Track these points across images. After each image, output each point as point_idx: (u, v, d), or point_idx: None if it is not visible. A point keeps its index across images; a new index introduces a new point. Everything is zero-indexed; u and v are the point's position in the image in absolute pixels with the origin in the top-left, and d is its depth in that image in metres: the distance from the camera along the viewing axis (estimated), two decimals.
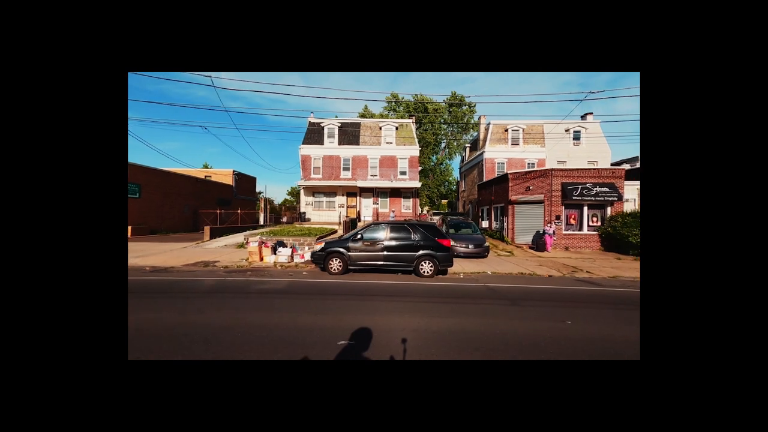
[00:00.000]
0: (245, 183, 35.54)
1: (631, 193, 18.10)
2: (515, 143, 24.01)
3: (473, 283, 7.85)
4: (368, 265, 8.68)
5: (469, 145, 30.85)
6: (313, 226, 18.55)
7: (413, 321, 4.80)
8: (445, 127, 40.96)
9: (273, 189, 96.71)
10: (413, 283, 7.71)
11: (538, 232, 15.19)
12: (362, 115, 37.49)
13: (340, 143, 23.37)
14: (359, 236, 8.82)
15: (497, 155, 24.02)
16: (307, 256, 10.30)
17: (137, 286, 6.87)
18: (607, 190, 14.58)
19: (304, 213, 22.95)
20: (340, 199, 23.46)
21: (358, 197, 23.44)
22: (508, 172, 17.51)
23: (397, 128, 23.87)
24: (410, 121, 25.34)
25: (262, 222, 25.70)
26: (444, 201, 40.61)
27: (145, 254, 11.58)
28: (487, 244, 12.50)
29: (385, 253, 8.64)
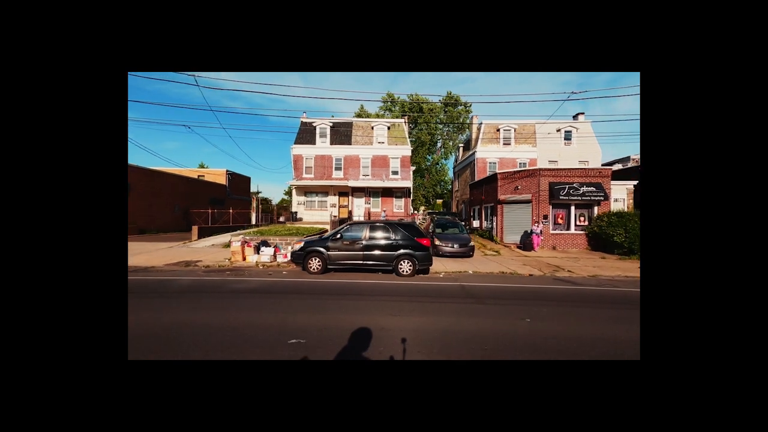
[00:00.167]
0: (239, 183, 35.52)
1: (621, 193, 18.17)
2: (507, 143, 24.05)
3: (450, 283, 7.88)
4: (348, 265, 8.70)
5: (462, 145, 30.88)
6: (303, 225, 18.56)
7: (371, 319, 4.83)
8: (441, 127, 40.99)
9: (271, 189, 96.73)
10: (390, 283, 7.73)
11: (526, 231, 15.22)
12: (358, 115, 37.47)
13: (332, 143, 23.38)
14: (339, 235, 8.83)
15: (489, 155, 24.07)
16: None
17: None
18: (594, 189, 14.63)
19: (296, 213, 22.97)
20: (332, 199, 23.48)
21: (350, 197, 23.46)
22: (497, 171, 17.55)
23: (389, 128, 23.89)
24: (402, 120, 25.36)
25: (254, 222, 25.69)
26: (439, 201, 40.65)
27: (129, 254, 11.57)
28: (472, 243, 12.54)
29: (364, 252, 8.66)
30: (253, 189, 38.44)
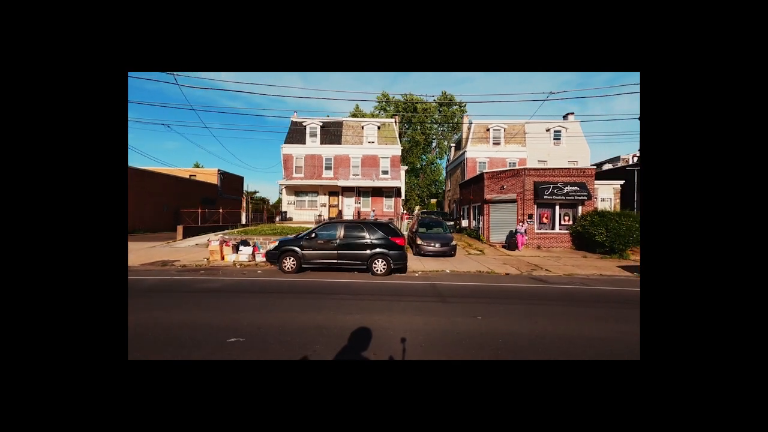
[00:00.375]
0: (232, 182, 35.49)
1: (607, 193, 18.23)
2: (496, 143, 24.08)
3: (422, 282, 7.90)
4: (322, 264, 8.71)
5: (454, 144, 30.92)
6: (291, 225, 18.54)
7: (322, 318, 4.85)
8: (436, 126, 41.02)
9: (269, 189, 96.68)
10: (363, 282, 7.74)
11: (511, 231, 15.26)
12: (353, 115, 37.46)
13: (322, 142, 23.37)
14: (313, 234, 8.85)
15: (479, 155, 24.09)
16: None
17: None
18: (578, 189, 14.66)
19: (286, 212, 22.96)
20: (322, 199, 23.47)
21: (340, 196, 23.45)
22: (485, 171, 17.58)
23: (379, 128, 23.89)
24: (392, 120, 25.36)
25: (244, 221, 25.68)
26: (433, 201, 40.67)
27: None
28: (454, 243, 12.55)
29: (338, 251, 8.67)
30: (250, 189, 38.56)
